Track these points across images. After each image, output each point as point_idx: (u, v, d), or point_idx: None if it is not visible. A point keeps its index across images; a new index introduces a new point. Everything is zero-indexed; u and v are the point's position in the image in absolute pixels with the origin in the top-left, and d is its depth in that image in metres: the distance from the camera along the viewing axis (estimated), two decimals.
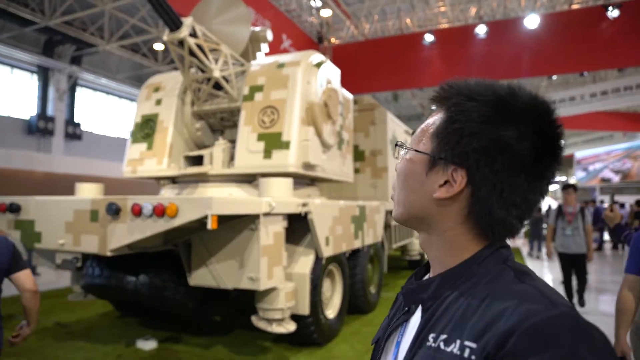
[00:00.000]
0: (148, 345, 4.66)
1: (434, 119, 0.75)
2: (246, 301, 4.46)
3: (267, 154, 4.62)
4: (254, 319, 4.12)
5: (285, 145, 4.56)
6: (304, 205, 4.12)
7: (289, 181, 4.34)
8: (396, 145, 0.82)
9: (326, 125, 5.01)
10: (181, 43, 4.48)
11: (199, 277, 3.90)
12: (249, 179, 4.87)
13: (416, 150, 0.75)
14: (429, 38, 12.11)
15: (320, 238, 4.29)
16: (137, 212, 3.29)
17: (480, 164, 0.67)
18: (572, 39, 11.37)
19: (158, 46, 14.61)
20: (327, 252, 4.41)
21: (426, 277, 0.81)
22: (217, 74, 4.77)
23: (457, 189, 0.69)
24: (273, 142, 4.62)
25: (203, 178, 4.98)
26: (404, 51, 12.75)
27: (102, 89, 16.97)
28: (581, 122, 18.42)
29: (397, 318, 0.79)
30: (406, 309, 0.77)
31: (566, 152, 26.17)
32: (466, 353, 0.60)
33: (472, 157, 0.68)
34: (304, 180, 5.23)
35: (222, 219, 3.34)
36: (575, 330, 0.56)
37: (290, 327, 4.06)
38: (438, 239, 0.74)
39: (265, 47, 5.88)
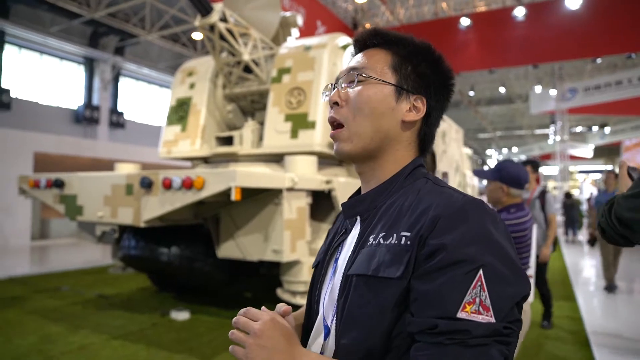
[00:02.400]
0: (181, 315, 4.94)
1: (383, 57, 0.87)
2: (275, 278, 4.65)
3: (294, 133, 4.76)
4: (279, 291, 4.30)
5: (311, 125, 4.68)
6: (328, 182, 4.24)
7: (313, 159, 4.46)
8: (355, 72, 0.86)
9: None
10: (212, 28, 4.66)
11: (227, 250, 4.11)
12: (277, 159, 5.03)
13: (386, 82, 0.85)
14: (465, 22, 11.89)
15: None
16: (167, 185, 3.51)
17: (433, 94, 0.87)
18: (617, 18, 10.85)
19: (197, 35, 14.99)
20: None
21: None
22: (247, 57, 4.94)
23: (422, 113, 0.86)
24: (300, 122, 4.75)
25: (233, 158, 5.18)
26: (439, 36, 12.55)
27: (144, 78, 17.62)
28: (629, 108, 17.54)
29: (337, 240, 0.91)
30: (344, 230, 0.90)
31: (613, 139, 25.03)
32: (403, 240, 0.74)
33: (431, 89, 0.87)
34: (331, 160, 5.34)
35: (246, 192, 3.51)
36: (482, 211, 0.73)
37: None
38: (388, 159, 0.87)
39: (295, 32, 6.00)
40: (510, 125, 28.11)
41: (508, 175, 2.49)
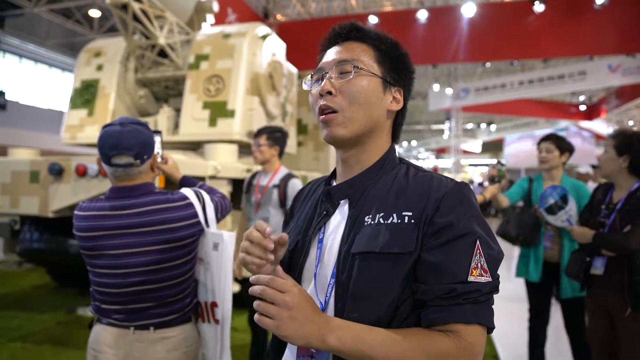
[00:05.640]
0: (90, 311, 4.66)
1: (366, 50, 0.94)
2: None
3: (212, 122, 4.70)
4: None
5: (230, 114, 4.66)
6: (248, 170, 4.27)
7: (233, 147, 4.46)
8: (349, 63, 0.91)
9: (270, 97, 5.14)
10: (125, 7, 4.41)
11: None
12: (194, 147, 4.93)
13: (375, 74, 0.92)
14: (373, 20, 12.39)
15: None
16: (81, 172, 3.30)
17: (408, 85, 0.98)
18: (503, 29, 12.13)
19: (94, 13, 13.85)
20: None
21: (334, 182, 1.02)
22: (162, 41, 4.74)
23: (401, 104, 0.97)
24: (218, 110, 4.70)
25: None
26: None
27: (30, 55, 15.85)
28: (511, 108, 19.68)
29: (318, 222, 0.96)
30: (324, 212, 0.96)
31: (498, 136, 27.85)
32: (406, 219, 0.84)
33: (407, 81, 0.97)
34: (248, 149, 5.35)
35: (169, 181, 3.43)
36: (468, 191, 0.88)
37: (234, 287, 4.23)
38: (372, 145, 0.95)
39: (210, 18, 5.87)
40: (410, 121, 29.88)
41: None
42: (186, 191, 1.68)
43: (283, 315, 0.73)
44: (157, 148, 1.77)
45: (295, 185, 3.03)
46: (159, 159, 1.88)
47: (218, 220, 1.78)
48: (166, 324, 1.60)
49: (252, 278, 0.78)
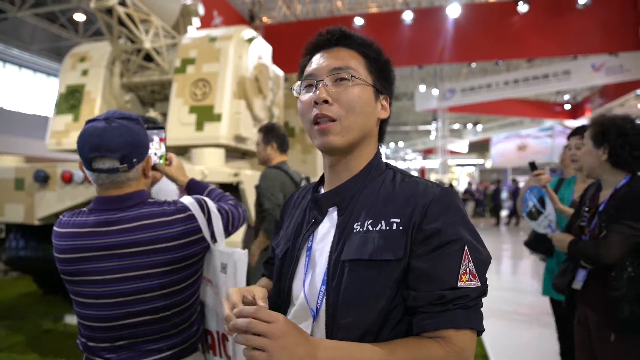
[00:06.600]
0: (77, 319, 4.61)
1: (356, 57, 0.93)
2: None
3: (199, 126, 4.69)
4: None
5: (217, 118, 4.66)
6: (236, 175, 4.28)
7: (221, 152, 4.46)
8: (344, 72, 0.91)
9: (257, 100, 5.15)
10: (110, 11, 4.39)
11: None
12: (181, 151, 4.91)
13: (369, 83, 0.93)
14: (358, 21, 12.44)
15: (251, 207, 4.47)
16: (67, 179, 3.28)
17: (392, 92, 1.00)
18: (488, 29, 12.28)
19: (79, 17, 13.71)
20: None
21: (322, 189, 1.02)
22: (148, 45, 4.74)
23: (388, 111, 0.98)
24: (205, 114, 4.70)
25: None
26: None
27: (14, 60, 15.64)
28: (497, 108, 19.90)
29: (307, 230, 0.97)
30: (313, 220, 0.96)
31: (484, 136, 28.13)
32: (394, 226, 0.85)
33: (391, 88, 0.99)
34: (235, 153, 5.35)
35: None
36: (455, 196, 0.88)
37: None
38: (362, 152, 0.95)
39: (196, 21, 5.87)
40: (396, 122, 29.99)
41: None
42: (186, 200, 1.40)
43: (274, 345, 0.69)
44: (160, 147, 1.54)
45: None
46: (158, 160, 1.57)
47: (229, 233, 1.49)
48: None
49: (235, 311, 0.74)
